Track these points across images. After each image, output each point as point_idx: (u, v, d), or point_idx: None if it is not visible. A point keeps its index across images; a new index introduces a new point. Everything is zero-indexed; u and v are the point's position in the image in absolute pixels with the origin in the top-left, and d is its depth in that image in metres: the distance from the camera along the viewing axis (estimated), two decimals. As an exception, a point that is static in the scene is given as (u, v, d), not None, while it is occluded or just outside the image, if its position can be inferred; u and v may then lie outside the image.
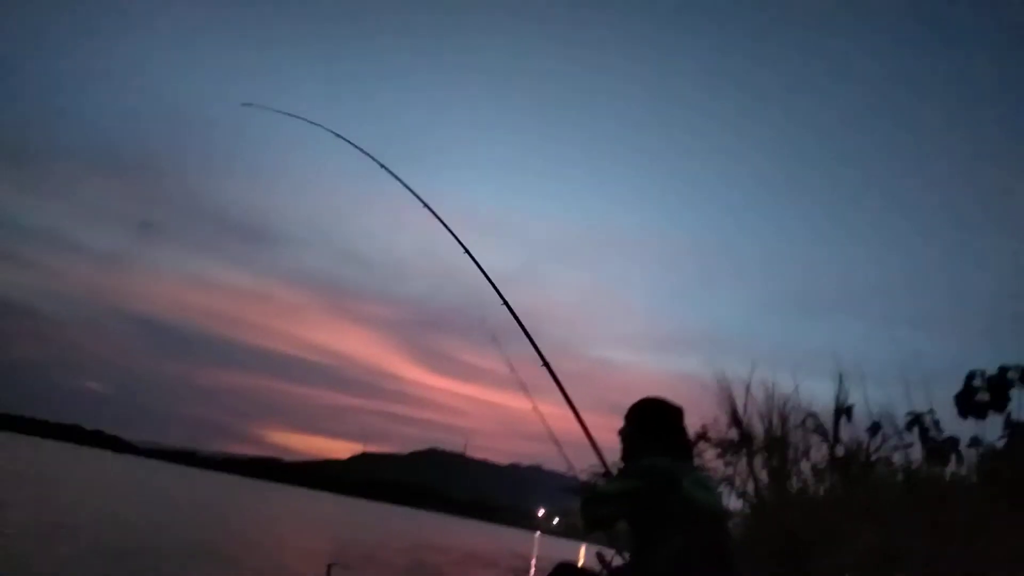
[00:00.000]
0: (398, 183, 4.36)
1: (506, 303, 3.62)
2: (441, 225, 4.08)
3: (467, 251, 3.88)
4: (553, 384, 3.39)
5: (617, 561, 2.59)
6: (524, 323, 3.59)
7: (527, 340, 3.53)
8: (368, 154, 4.67)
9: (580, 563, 2.52)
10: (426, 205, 4.21)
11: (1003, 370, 6.97)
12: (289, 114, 5.42)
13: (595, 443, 3.09)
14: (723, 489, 9.48)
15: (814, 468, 8.55)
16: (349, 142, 4.85)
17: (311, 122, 5.27)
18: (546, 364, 3.42)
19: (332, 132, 5.02)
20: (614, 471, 2.79)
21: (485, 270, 3.79)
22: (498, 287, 3.71)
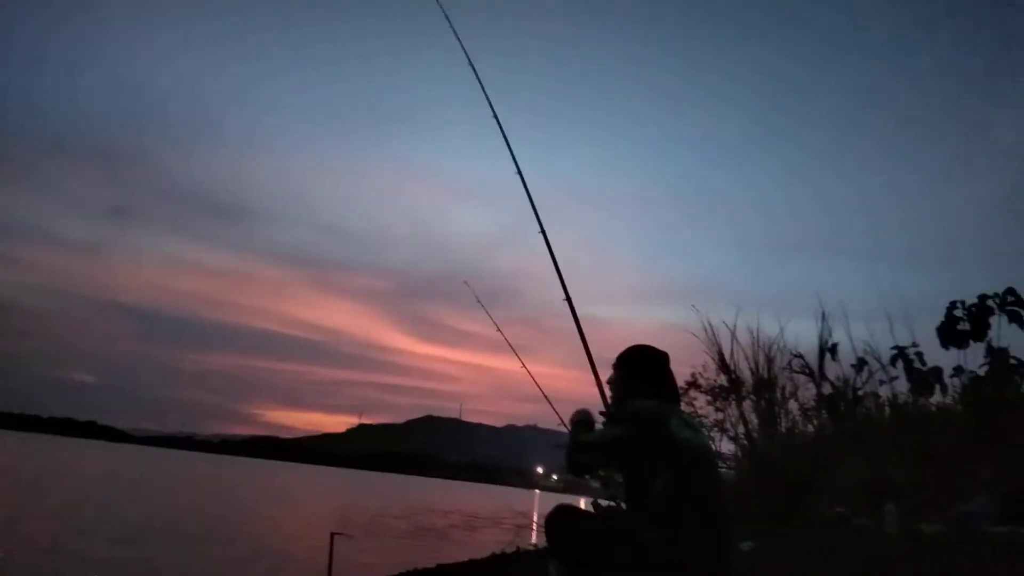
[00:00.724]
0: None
1: (568, 299, 3.47)
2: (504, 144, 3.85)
3: (542, 231, 3.66)
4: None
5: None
6: (555, 256, 3.52)
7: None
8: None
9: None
10: (519, 172, 3.95)
11: (982, 298, 7.10)
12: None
13: (599, 379, 3.08)
14: (716, 434, 9.66)
15: (802, 408, 8.72)
16: None
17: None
18: (568, 299, 3.40)
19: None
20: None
21: (556, 259, 3.62)
22: (565, 283, 3.49)
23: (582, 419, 2.67)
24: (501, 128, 4.01)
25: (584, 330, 3.33)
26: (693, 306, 9.51)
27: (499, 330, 4.66)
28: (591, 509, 2.67)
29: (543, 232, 3.64)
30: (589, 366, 3.19)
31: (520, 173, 3.87)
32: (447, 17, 4.47)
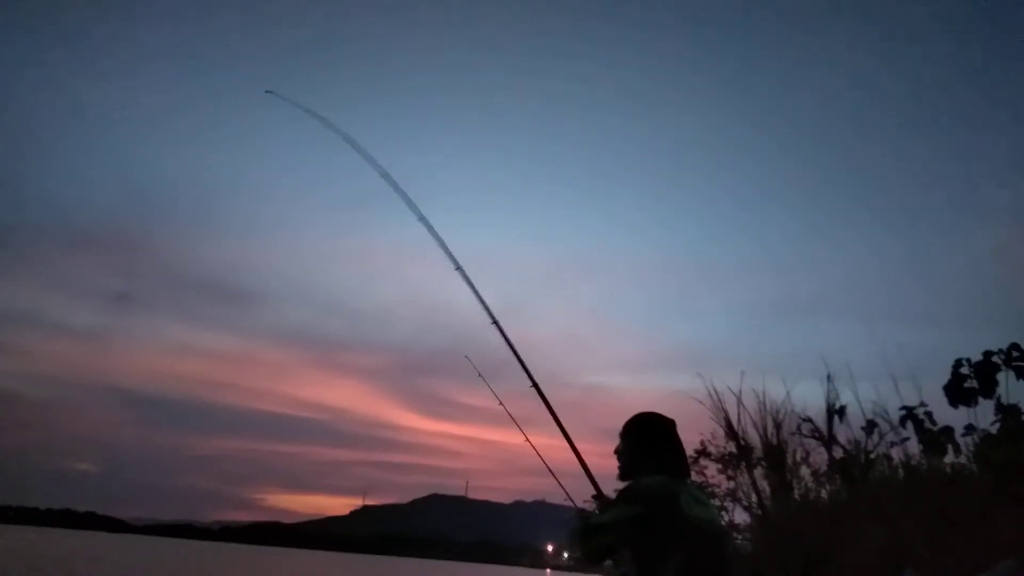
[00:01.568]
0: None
1: (496, 322, 3.60)
2: (436, 242, 3.99)
3: (459, 267, 3.86)
4: (545, 415, 3.37)
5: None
6: (514, 345, 3.58)
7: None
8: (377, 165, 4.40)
9: None
10: (422, 218, 4.16)
11: (987, 355, 7.05)
12: (308, 111, 4.93)
13: (584, 464, 3.06)
14: (728, 503, 9.44)
15: (814, 473, 8.55)
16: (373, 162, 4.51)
17: (329, 125, 4.76)
18: (535, 385, 3.41)
19: (345, 139, 4.65)
20: (610, 494, 2.78)
21: (476, 288, 3.77)
22: (489, 308, 3.67)
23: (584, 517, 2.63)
24: (432, 230, 4.12)
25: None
26: (698, 373, 9.47)
27: (501, 404, 4.62)
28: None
29: (496, 323, 3.66)
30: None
31: (460, 268, 3.93)
32: (355, 146, 4.69)
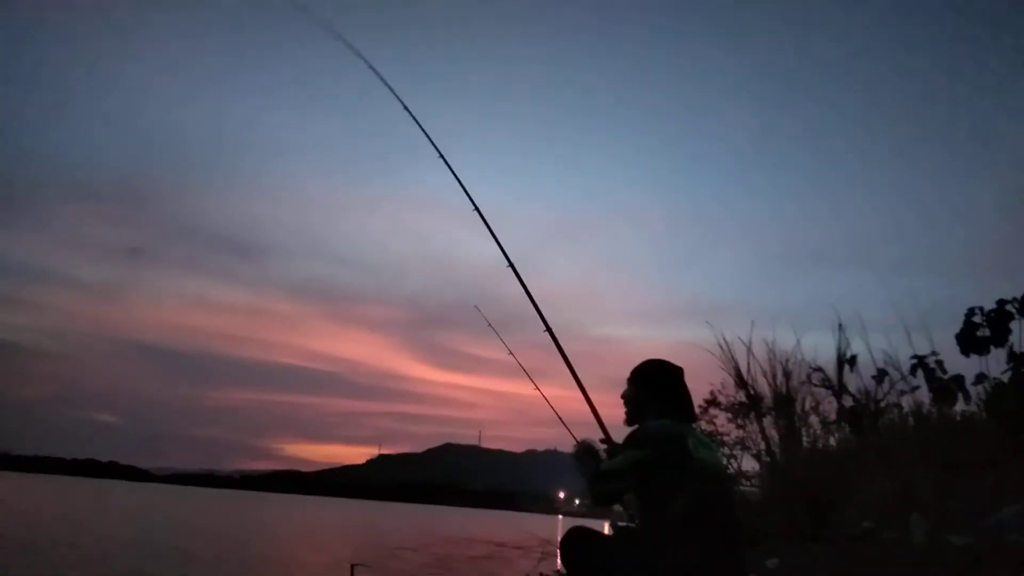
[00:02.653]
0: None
1: (511, 265, 3.61)
2: (456, 181, 3.95)
3: (476, 208, 3.85)
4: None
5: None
6: (528, 289, 3.58)
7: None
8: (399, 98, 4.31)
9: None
10: (442, 156, 4.11)
11: (1001, 303, 7.00)
12: (337, 35, 4.60)
13: (594, 407, 3.11)
14: (737, 451, 9.53)
15: (823, 422, 8.59)
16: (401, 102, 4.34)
17: (356, 53, 4.51)
18: (549, 330, 3.43)
19: (368, 64, 4.46)
20: (616, 439, 2.81)
21: (493, 230, 3.75)
22: (505, 250, 3.66)
23: (589, 449, 2.66)
24: (451, 168, 4.07)
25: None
26: (707, 322, 9.45)
27: (512, 354, 4.66)
28: (609, 530, 2.65)
29: (512, 266, 3.66)
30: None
31: (478, 209, 3.93)
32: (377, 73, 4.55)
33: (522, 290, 3.55)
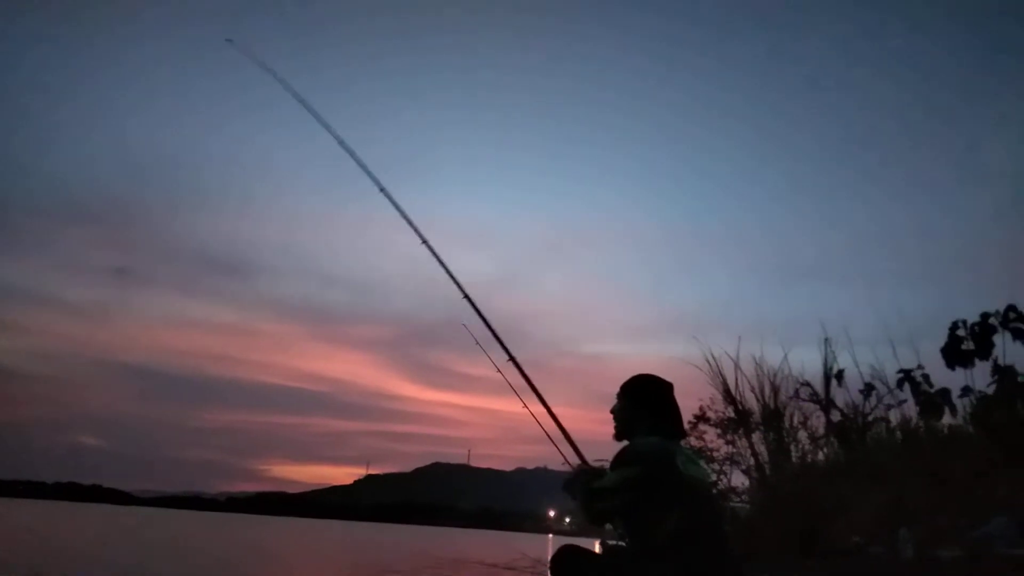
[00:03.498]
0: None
1: (467, 296, 3.60)
2: (405, 223, 3.95)
3: (424, 241, 3.81)
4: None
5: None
6: (489, 320, 3.57)
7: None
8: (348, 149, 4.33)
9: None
10: (383, 190, 4.08)
11: (985, 316, 7.08)
12: (265, 67, 4.67)
13: (566, 433, 3.10)
14: (727, 467, 9.53)
15: (812, 436, 8.63)
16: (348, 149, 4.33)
17: (287, 88, 4.52)
18: (512, 359, 3.44)
19: (306, 106, 4.45)
20: (592, 462, 2.80)
21: (444, 262, 3.72)
22: (459, 282, 3.65)
23: (578, 475, 2.64)
24: (394, 202, 4.04)
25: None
26: (694, 338, 9.50)
27: (499, 371, 4.63)
28: (601, 550, 2.62)
29: (467, 297, 3.62)
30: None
31: (426, 242, 3.87)
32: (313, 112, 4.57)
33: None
